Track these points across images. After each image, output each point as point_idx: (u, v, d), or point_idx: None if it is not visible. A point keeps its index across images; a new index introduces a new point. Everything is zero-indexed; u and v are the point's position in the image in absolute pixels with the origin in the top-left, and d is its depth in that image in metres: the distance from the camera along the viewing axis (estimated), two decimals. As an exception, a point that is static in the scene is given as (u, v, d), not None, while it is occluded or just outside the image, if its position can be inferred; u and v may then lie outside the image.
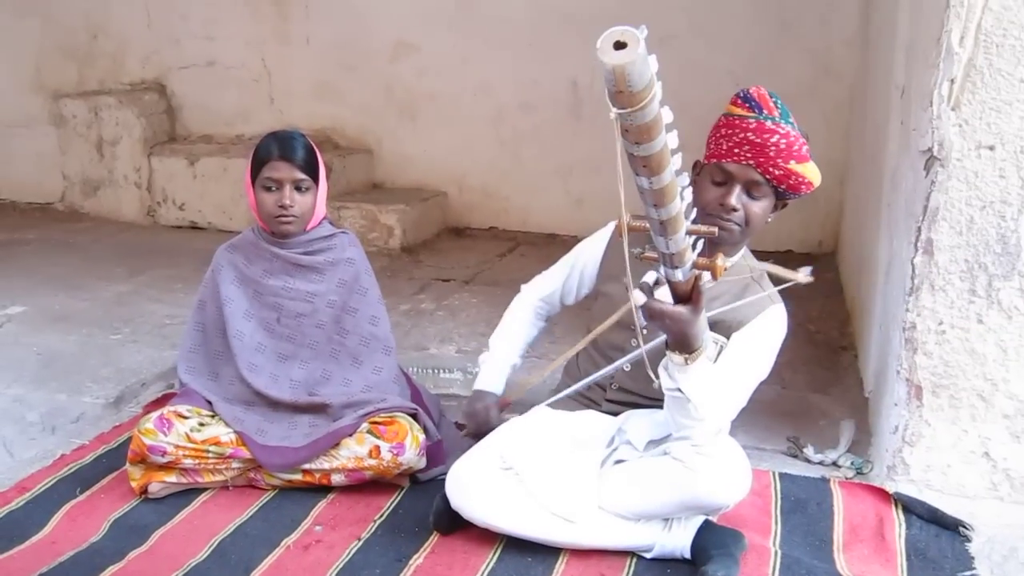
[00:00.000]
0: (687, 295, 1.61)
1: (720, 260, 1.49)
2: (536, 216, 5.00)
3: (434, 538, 2.04)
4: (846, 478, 2.30)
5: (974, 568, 1.94)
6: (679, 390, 1.77)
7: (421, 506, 2.14)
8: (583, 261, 2.22)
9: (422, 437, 2.22)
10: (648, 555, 1.95)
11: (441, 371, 2.89)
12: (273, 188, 2.23)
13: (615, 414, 2.12)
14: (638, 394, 2.08)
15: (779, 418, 2.62)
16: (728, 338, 1.91)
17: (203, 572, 1.92)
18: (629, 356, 1.99)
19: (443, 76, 4.99)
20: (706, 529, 1.93)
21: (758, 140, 1.83)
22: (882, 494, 2.18)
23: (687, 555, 1.92)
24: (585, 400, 2.17)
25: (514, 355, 2.32)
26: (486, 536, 1.99)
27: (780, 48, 4.37)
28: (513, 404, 2.28)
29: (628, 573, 1.91)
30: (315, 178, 2.27)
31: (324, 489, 2.24)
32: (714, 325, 1.85)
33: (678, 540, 1.93)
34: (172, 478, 2.20)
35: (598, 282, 2.18)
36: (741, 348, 1.90)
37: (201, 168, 5.09)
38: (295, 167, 2.22)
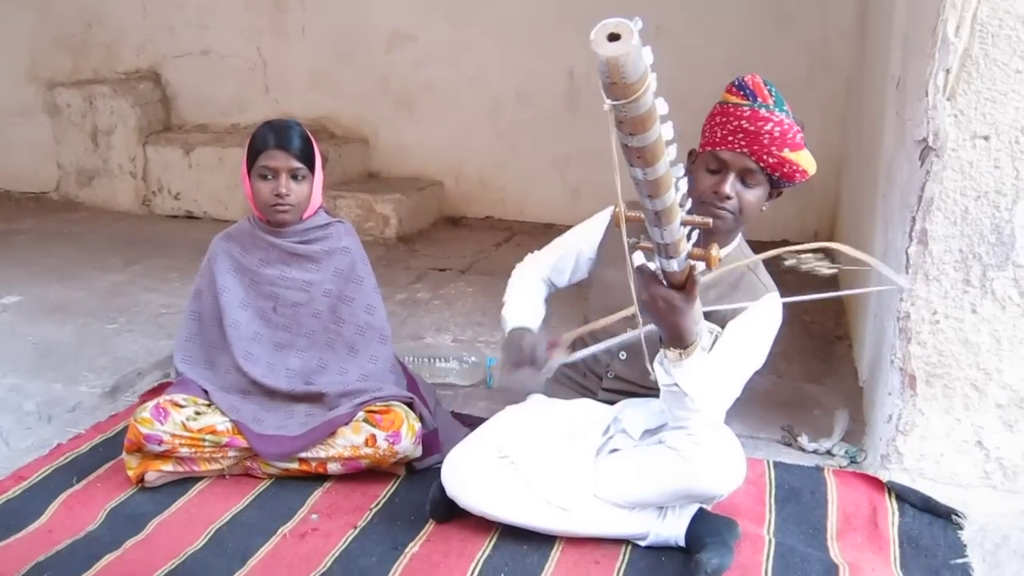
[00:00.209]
0: (682, 285, 1.61)
1: (715, 250, 1.49)
2: (532, 206, 5.01)
3: (430, 526, 2.05)
4: (840, 467, 2.32)
5: (967, 556, 1.95)
6: (675, 385, 1.78)
7: (417, 495, 2.15)
8: (579, 246, 2.21)
9: (418, 426, 2.23)
10: (643, 543, 1.96)
11: (437, 360, 2.89)
12: (269, 177, 2.23)
13: (611, 403, 2.12)
14: (634, 383, 2.09)
15: (774, 408, 2.64)
16: (723, 327, 1.92)
17: (200, 560, 1.93)
18: (623, 337, 1.97)
19: (439, 66, 4.98)
20: (700, 517, 1.95)
21: (752, 128, 1.83)
22: (876, 483, 2.19)
23: (682, 543, 1.93)
24: (581, 389, 2.18)
25: (540, 304, 2.20)
26: (482, 524, 2.00)
27: (777, 39, 4.37)
28: (563, 343, 2.05)
29: (623, 561, 1.92)
30: (311, 167, 2.27)
31: (320, 478, 2.24)
32: (709, 315, 1.86)
33: (672, 528, 1.94)
34: (168, 467, 2.20)
35: (595, 268, 2.18)
36: (736, 337, 1.91)
37: (196, 158, 5.08)
38: (291, 156, 2.22)
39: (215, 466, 2.24)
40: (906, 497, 2.13)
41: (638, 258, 1.57)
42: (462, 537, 2.00)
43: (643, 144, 1.20)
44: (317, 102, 5.22)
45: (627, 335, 1.94)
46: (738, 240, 2.03)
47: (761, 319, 1.94)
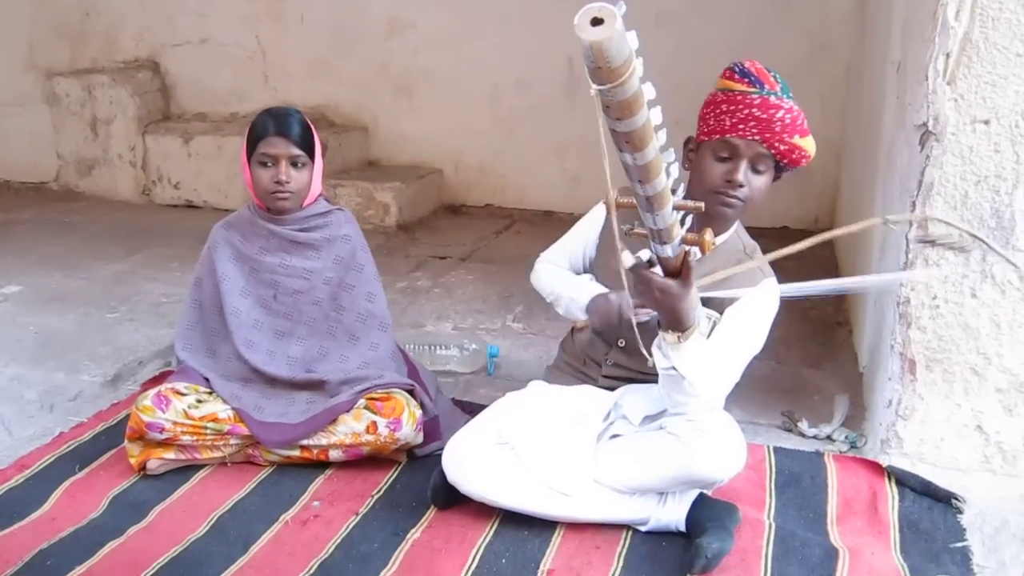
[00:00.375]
0: (677, 271, 1.61)
1: (708, 235, 1.49)
2: (532, 194, 5.00)
3: (431, 513, 2.06)
4: (840, 452, 2.32)
5: (966, 540, 1.96)
6: (673, 368, 1.78)
7: (418, 481, 2.15)
8: (582, 239, 2.21)
9: (419, 413, 2.23)
10: (643, 528, 1.97)
11: (438, 348, 2.90)
12: (269, 164, 2.23)
13: (611, 389, 2.13)
14: (634, 369, 2.09)
15: (774, 393, 2.64)
16: (721, 313, 1.92)
17: (202, 547, 1.93)
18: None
19: (439, 53, 4.96)
20: (700, 502, 1.95)
21: (764, 116, 1.83)
22: (876, 468, 2.20)
23: (682, 528, 1.94)
24: (581, 376, 2.18)
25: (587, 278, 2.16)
26: (483, 510, 2.01)
27: (776, 24, 4.35)
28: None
29: (624, 546, 1.93)
30: (311, 154, 2.26)
31: (322, 465, 2.25)
32: (707, 300, 1.86)
33: (673, 513, 1.94)
34: (170, 455, 2.21)
35: (596, 257, 2.18)
36: (735, 322, 1.91)
37: (196, 147, 5.07)
38: (291, 143, 2.22)
39: (217, 454, 2.24)
40: (906, 482, 2.14)
41: (628, 258, 1.57)
42: (463, 523, 2.01)
43: (631, 129, 1.20)
44: (316, 90, 5.21)
45: (634, 321, 1.92)
46: (735, 226, 2.03)
47: (759, 304, 1.94)
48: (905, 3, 2.46)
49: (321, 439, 2.21)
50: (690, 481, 1.92)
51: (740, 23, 4.38)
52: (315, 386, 2.31)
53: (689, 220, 1.51)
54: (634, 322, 1.81)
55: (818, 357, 2.96)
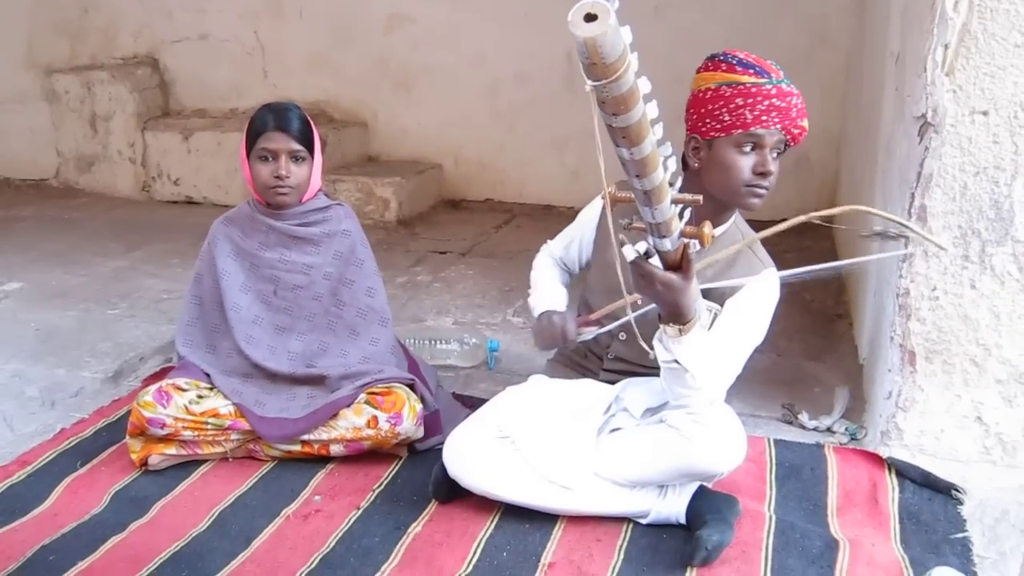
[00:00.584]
0: (677, 264, 1.61)
1: (707, 228, 1.49)
2: (532, 188, 5.00)
3: (432, 506, 2.06)
4: (840, 444, 2.33)
5: (966, 531, 1.96)
6: (675, 361, 1.78)
7: (419, 475, 2.16)
8: (582, 229, 2.22)
9: (419, 407, 2.24)
10: (644, 521, 1.97)
11: (438, 342, 2.90)
12: (269, 159, 2.23)
13: (612, 383, 2.13)
14: (635, 363, 2.09)
15: (774, 385, 2.64)
16: (722, 304, 1.92)
17: (204, 542, 1.94)
18: (622, 320, 1.98)
19: (438, 48, 4.96)
20: (701, 495, 1.96)
21: (783, 104, 1.83)
22: (876, 459, 2.20)
23: (682, 520, 1.94)
24: (582, 369, 2.18)
25: (562, 290, 2.23)
26: (484, 504, 2.01)
27: (775, 16, 4.35)
28: (599, 321, 2.08)
29: (624, 539, 1.94)
30: (310, 149, 2.26)
31: (323, 460, 2.26)
32: (707, 292, 1.86)
33: (673, 506, 1.95)
34: (172, 450, 2.21)
35: (594, 250, 2.19)
36: (736, 314, 1.91)
37: (195, 143, 5.07)
38: (291, 138, 2.22)
39: (218, 449, 2.25)
40: (906, 473, 2.14)
41: (628, 252, 1.57)
42: (464, 517, 2.01)
43: (627, 124, 1.20)
44: (315, 86, 5.20)
45: (624, 319, 1.94)
46: (734, 217, 2.03)
47: (760, 295, 1.94)
48: (904, -6, 2.46)
49: (322, 434, 2.21)
50: (690, 474, 1.93)
51: (739, 14, 4.37)
52: (316, 381, 2.31)
53: (688, 213, 1.51)
54: (579, 339, 1.99)
55: (818, 349, 2.96)
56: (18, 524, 2.00)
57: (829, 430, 2.40)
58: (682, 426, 1.89)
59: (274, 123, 2.22)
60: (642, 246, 1.59)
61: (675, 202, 1.42)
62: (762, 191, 1.89)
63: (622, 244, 1.55)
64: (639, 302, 1.91)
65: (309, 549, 1.92)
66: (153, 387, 2.21)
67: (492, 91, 4.95)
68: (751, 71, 1.84)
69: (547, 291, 2.22)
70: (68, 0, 5.50)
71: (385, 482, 2.18)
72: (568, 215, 2.30)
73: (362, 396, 2.22)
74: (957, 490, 2.07)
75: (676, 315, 1.70)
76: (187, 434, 2.19)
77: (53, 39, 5.57)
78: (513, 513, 2.00)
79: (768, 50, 1.97)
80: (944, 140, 2.00)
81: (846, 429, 2.38)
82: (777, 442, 2.32)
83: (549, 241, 2.33)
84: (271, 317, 2.37)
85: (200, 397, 2.22)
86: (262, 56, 5.30)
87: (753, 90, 1.83)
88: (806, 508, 2.06)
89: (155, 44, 5.46)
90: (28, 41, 5.62)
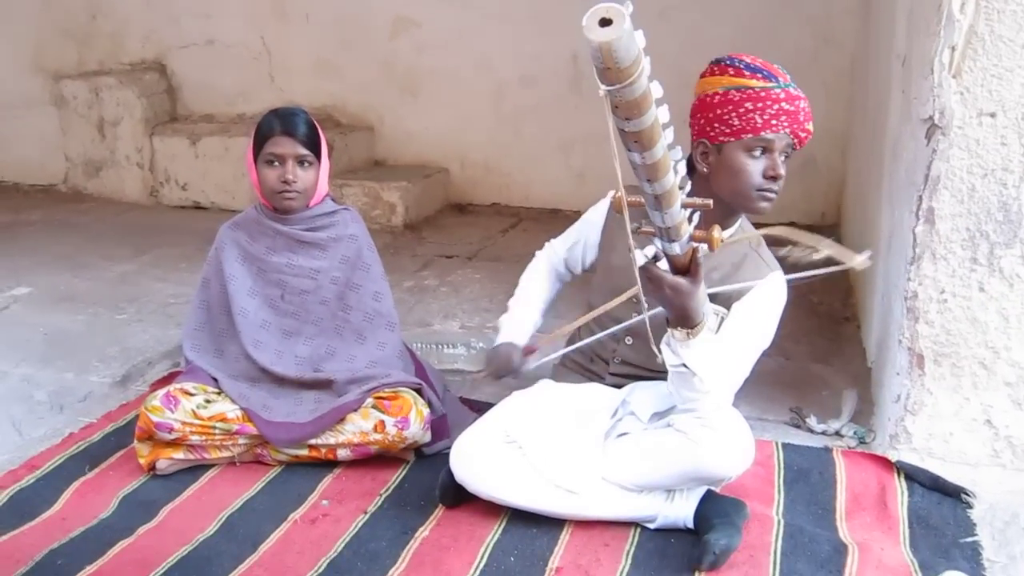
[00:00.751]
0: (685, 268, 1.61)
1: (716, 232, 1.49)
2: (538, 191, 5.00)
3: (439, 511, 2.06)
4: (848, 447, 2.32)
5: (976, 535, 1.95)
6: (683, 365, 1.78)
7: (426, 479, 2.16)
8: (586, 231, 2.22)
9: (426, 411, 2.24)
10: (651, 525, 1.96)
11: (445, 346, 2.90)
12: (276, 163, 2.24)
13: (619, 387, 2.13)
14: (641, 367, 2.09)
15: (782, 389, 2.64)
16: (728, 308, 1.92)
17: (211, 547, 1.94)
18: (629, 322, 1.99)
19: (443, 51, 4.96)
20: (708, 499, 1.95)
21: (792, 108, 1.84)
22: (884, 463, 2.19)
23: (690, 525, 1.94)
24: (589, 373, 2.18)
25: (534, 314, 2.28)
26: (491, 508, 2.01)
27: (780, 17, 4.34)
28: (540, 351, 2.21)
29: (632, 543, 1.93)
30: (317, 154, 2.27)
31: (330, 464, 2.26)
32: (714, 296, 1.86)
33: (681, 510, 1.94)
34: (179, 455, 2.22)
35: (599, 252, 2.18)
36: (742, 317, 1.91)
37: (203, 147, 5.08)
38: (298, 142, 2.22)
39: (225, 453, 2.25)
40: (915, 476, 2.13)
41: (639, 257, 1.57)
42: (471, 521, 2.01)
43: (639, 128, 1.20)
44: (322, 90, 5.21)
45: (632, 320, 1.95)
46: (740, 221, 2.02)
47: (767, 298, 1.94)
48: (910, -4, 2.45)
49: (329, 438, 2.22)
50: (698, 478, 1.92)
51: (744, 17, 4.37)
52: (323, 385, 2.32)
53: (696, 217, 1.51)
54: (524, 372, 2.11)
55: (826, 352, 2.96)
56: (26, 528, 2.01)
57: (837, 433, 2.39)
58: (690, 430, 1.88)
59: (281, 128, 2.22)
60: (651, 250, 1.59)
61: (685, 206, 1.42)
62: (772, 195, 1.90)
63: (636, 232, 1.54)
64: (646, 305, 1.91)
65: (316, 553, 1.91)
66: (161, 391, 2.21)
67: (498, 94, 4.95)
68: (759, 75, 1.84)
69: (516, 317, 2.27)
70: (76, 6, 5.53)
71: (392, 486, 2.18)
72: (574, 218, 2.30)
73: (369, 400, 2.22)
74: (967, 493, 2.06)
75: (684, 319, 1.70)
76: (195, 438, 2.20)
77: (61, 45, 5.60)
78: (520, 517, 1.99)
79: (773, 51, 1.97)
80: (951, 142, 1.99)
81: (854, 432, 2.37)
82: (785, 446, 2.31)
83: (552, 240, 2.33)
84: (278, 321, 2.37)
85: (208, 401, 2.23)
86: (269, 61, 5.31)
87: (762, 94, 1.83)
88: (814, 512, 2.05)
89: (163, 49, 5.48)
90: (36, 47, 5.64)
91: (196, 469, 2.25)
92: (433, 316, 3.37)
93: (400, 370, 2.36)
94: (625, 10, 1.04)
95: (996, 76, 1.93)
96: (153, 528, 2.01)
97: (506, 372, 2.15)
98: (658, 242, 1.54)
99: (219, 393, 2.27)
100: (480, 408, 2.35)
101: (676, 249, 1.54)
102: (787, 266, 1.90)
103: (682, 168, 1.35)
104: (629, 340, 2.08)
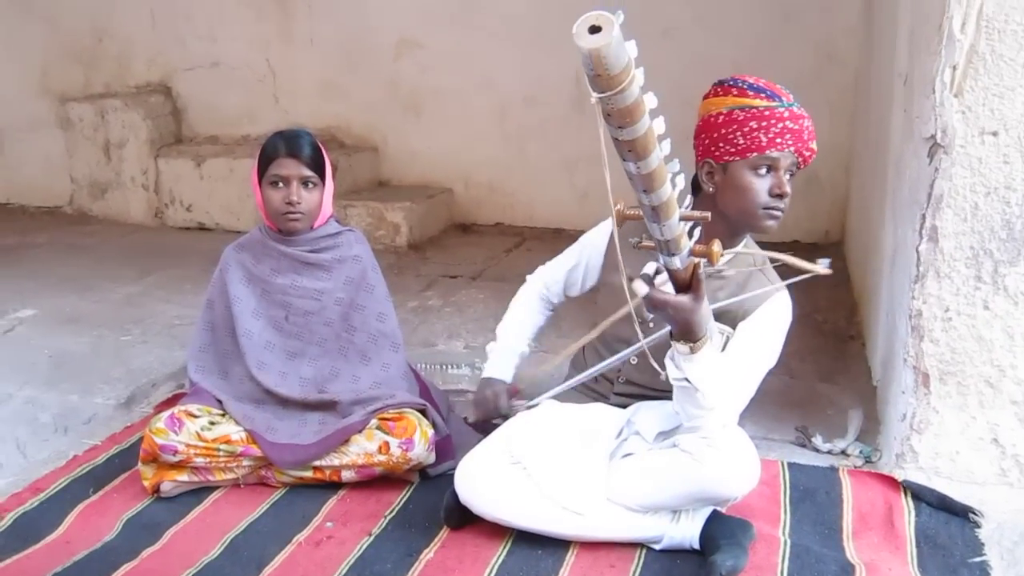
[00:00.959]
0: (687, 283, 1.61)
1: (716, 246, 1.49)
2: (542, 211, 5.01)
3: (444, 532, 2.05)
4: (855, 467, 2.31)
5: (984, 554, 1.94)
6: (686, 380, 1.78)
7: (431, 501, 2.15)
8: (587, 253, 2.23)
9: (431, 432, 2.23)
10: (657, 546, 1.95)
11: (449, 367, 2.90)
12: (280, 185, 2.25)
13: (624, 407, 2.12)
14: (646, 386, 2.09)
15: (787, 408, 2.63)
16: (734, 327, 1.92)
17: (216, 569, 1.93)
18: (632, 348, 1.99)
19: (447, 72, 4.99)
20: (714, 519, 1.94)
21: (796, 127, 1.86)
22: (891, 482, 2.18)
23: (696, 545, 1.93)
24: (593, 393, 2.18)
25: (521, 343, 2.32)
26: (496, 530, 2.00)
27: (783, 37, 4.36)
28: (522, 391, 2.28)
29: (638, 564, 1.92)
30: (322, 175, 2.28)
31: (334, 485, 2.25)
32: (720, 315, 1.86)
33: (686, 531, 1.93)
34: (184, 477, 2.21)
35: (602, 273, 2.19)
36: (748, 337, 1.91)
37: (208, 169, 5.10)
38: (302, 164, 2.23)
39: (230, 475, 2.25)
40: (922, 496, 2.12)
41: (640, 287, 1.58)
42: (476, 543, 2.00)
43: (633, 137, 1.21)
44: (326, 111, 5.24)
45: (637, 346, 1.95)
46: (745, 240, 2.03)
47: (772, 318, 1.94)
48: (911, 15, 2.46)
49: (333, 459, 2.21)
50: (703, 498, 1.91)
51: (747, 36, 4.39)
52: (327, 406, 2.31)
53: (697, 232, 1.51)
54: (513, 413, 2.14)
55: (831, 371, 2.95)
56: (31, 551, 2.00)
57: (843, 452, 2.38)
58: (695, 450, 1.88)
59: (285, 149, 2.23)
60: (652, 266, 1.60)
61: (683, 219, 1.42)
62: (778, 213, 1.91)
63: (631, 280, 1.56)
64: (651, 325, 1.92)
65: (321, 575, 1.91)
66: (165, 413, 2.21)
67: (501, 115, 4.97)
68: (763, 95, 1.86)
69: (503, 349, 2.31)
70: (83, 29, 5.57)
71: (397, 508, 2.18)
72: (578, 237, 2.31)
73: (373, 421, 2.22)
74: (974, 513, 2.05)
75: (687, 332, 1.70)
76: (199, 460, 2.19)
77: (68, 67, 5.64)
78: (525, 539, 1.98)
79: (776, 70, 1.98)
80: (954, 161, 1.99)
81: (860, 451, 2.36)
82: (791, 465, 2.30)
83: (541, 268, 2.34)
84: (283, 343, 2.37)
85: (212, 423, 2.23)
86: (273, 82, 5.34)
87: (766, 113, 1.84)
88: (821, 532, 2.04)
89: (168, 72, 5.51)
90: (43, 69, 5.69)
91: (200, 491, 2.25)
92: (437, 336, 3.36)
93: (405, 391, 2.36)
94: (615, 18, 1.05)
95: (998, 95, 1.94)
96: (157, 551, 2.00)
97: (496, 416, 2.19)
98: (660, 256, 1.55)
99: (223, 415, 2.27)
100: (485, 429, 2.34)
101: (677, 263, 1.54)
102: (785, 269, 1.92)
103: (681, 181, 1.36)
104: (634, 360, 2.08)
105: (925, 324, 2.10)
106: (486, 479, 1.97)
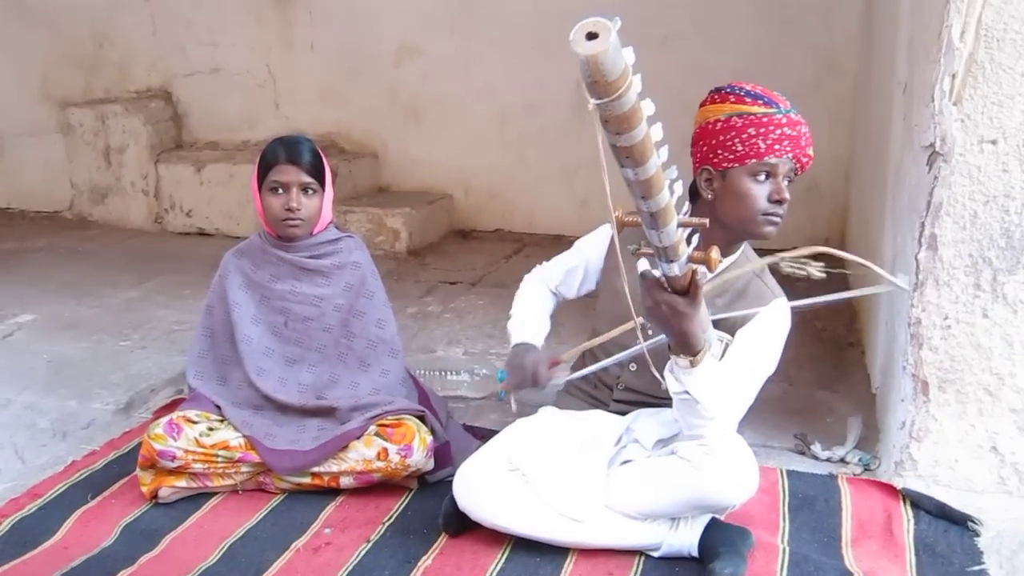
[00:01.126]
0: (684, 290, 1.61)
1: (715, 253, 1.49)
2: (542, 217, 5.01)
3: (443, 539, 2.05)
4: (854, 474, 2.30)
5: (983, 563, 1.94)
6: (687, 393, 1.77)
7: (430, 507, 2.15)
8: (586, 258, 2.22)
9: (430, 439, 2.23)
10: (656, 554, 1.95)
11: (448, 373, 2.90)
12: (280, 191, 2.25)
13: (623, 414, 2.12)
14: (645, 393, 2.09)
15: (786, 415, 2.62)
16: (733, 335, 1.92)
17: (214, 575, 1.93)
18: (632, 349, 1.98)
19: (447, 79, 5.00)
20: (713, 527, 1.94)
21: (794, 133, 1.87)
22: (890, 490, 2.18)
23: (695, 553, 1.92)
24: (593, 400, 2.18)
25: (544, 318, 2.26)
26: (495, 537, 2.00)
27: (782, 45, 4.37)
28: (564, 363, 2.18)
29: (636, 572, 1.92)
30: (321, 182, 2.28)
31: (333, 492, 2.25)
32: (718, 322, 1.86)
33: (685, 538, 1.93)
34: (182, 483, 2.21)
35: (602, 277, 2.19)
36: (747, 343, 1.91)
37: (208, 174, 5.11)
38: (302, 170, 2.24)
39: (228, 481, 2.25)
40: (921, 504, 2.12)
41: (642, 264, 1.58)
42: (475, 550, 2.00)
43: (630, 143, 1.21)
44: (326, 117, 5.25)
45: (635, 347, 1.95)
46: (743, 247, 2.03)
47: (771, 325, 1.94)
48: (910, 24, 2.47)
49: (332, 466, 2.21)
50: (702, 506, 1.91)
51: (747, 45, 4.40)
52: (326, 413, 2.31)
53: (695, 239, 1.51)
54: (547, 387, 2.06)
55: (830, 378, 2.95)
56: (29, 557, 2.00)
57: (842, 460, 2.38)
58: (693, 457, 1.88)
59: (285, 156, 2.24)
60: (644, 263, 1.60)
61: (681, 225, 1.42)
62: (777, 219, 1.92)
63: (638, 257, 1.55)
64: (650, 332, 1.91)
65: (319, 582, 1.91)
66: (164, 419, 2.21)
67: (501, 121, 4.98)
68: (760, 101, 1.86)
69: (529, 320, 2.24)
70: (83, 34, 5.59)
71: (395, 514, 2.17)
72: (577, 245, 2.31)
73: (372, 428, 2.22)
74: (973, 521, 2.05)
75: (685, 345, 1.69)
76: (197, 466, 2.19)
77: (68, 73, 5.65)
78: (524, 546, 1.98)
79: (775, 79, 1.99)
80: (953, 169, 2.00)
81: (859, 459, 2.36)
82: (790, 473, 2.30)
83: (542, 264, 2.33)
84: (282, 349, 2.37)
85: (211, 429, 2.22)
86: (274, 88, 5.35)
87: (764, 119, 1.85)
88: (820, 540, 2.04)
89: (168, 77, 5.52)
90: (43, 75, 5.70)
91: (199, 497, 2.24)
92: (436, 343, 3.36)
93: (404, 397, 2.36)
94: (612, 25, 1.05)
95: (997, 103, 1.94)
96: (155, 557, 2.00)
97: (532, 384, 2.11)
98: (658, 263, 1.55)
99: (222, 421, 2.27)
100: (484, 435, 2.34)
101: (675, 270, 1.54)
102: (780, 278, 1.92)
103: (679, 188, 1.36)
104: (633, 367, 2.08)
105: (924, 332, 2.10)
106: (485, 486, 1.96)
